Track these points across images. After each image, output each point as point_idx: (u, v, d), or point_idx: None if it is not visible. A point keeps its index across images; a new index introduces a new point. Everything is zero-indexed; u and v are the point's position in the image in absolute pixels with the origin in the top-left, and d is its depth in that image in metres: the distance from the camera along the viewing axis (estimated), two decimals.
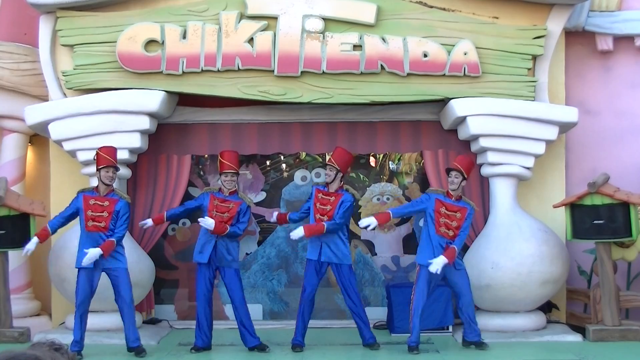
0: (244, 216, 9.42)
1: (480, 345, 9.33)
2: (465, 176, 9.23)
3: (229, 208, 9.29)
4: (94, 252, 8.89)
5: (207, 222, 9.13)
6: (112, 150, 9.26)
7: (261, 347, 9.36)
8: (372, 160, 12.27)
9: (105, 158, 9.13)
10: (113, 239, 9.06)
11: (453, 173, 9.20)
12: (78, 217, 9.23)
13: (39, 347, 3.83)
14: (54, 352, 3.83)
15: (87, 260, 8.88)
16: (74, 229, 10.28)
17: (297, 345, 9.36)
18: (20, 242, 9.93)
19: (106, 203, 9.11)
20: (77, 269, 9.12)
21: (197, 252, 9.42)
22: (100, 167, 9.13)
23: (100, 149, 9.30)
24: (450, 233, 9.07)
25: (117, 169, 9.30)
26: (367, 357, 9.30)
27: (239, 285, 9.42)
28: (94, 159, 9.30)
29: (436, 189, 9.78)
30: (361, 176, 12.23)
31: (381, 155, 12.15)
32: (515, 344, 9.67)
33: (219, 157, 9.48)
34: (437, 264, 8.89)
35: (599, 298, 10.22)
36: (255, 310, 11.49)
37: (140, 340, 9.20)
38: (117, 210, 9.10)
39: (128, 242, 10.24)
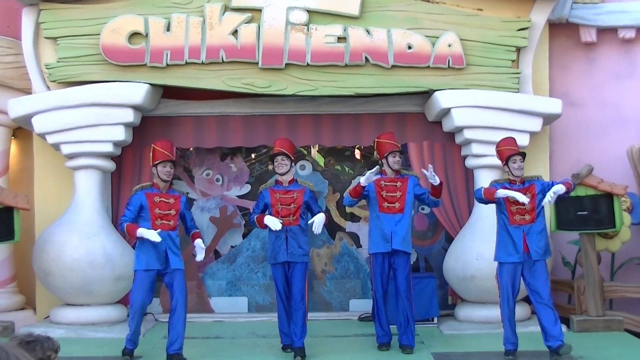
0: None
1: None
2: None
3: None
4: (200, 243, 8.69)
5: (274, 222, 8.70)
6: (168, 145, 8.81)
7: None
8: (357, 153, 12.27)
9: (162, 152, 8.61)
10: (199, 231, 8.91)
11: (518, 157, 8.46)
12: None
13: (13, 340, 3.83)
14: (25, 346, 3.83)
15: (201, 254, 8.70)
16: (58, 222, 10.28)
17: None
18: (3, 235, 9.90)
19: (172, 200, 8.62)
20: (134, 272, 8.56)
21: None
22: (157, 162, 8.58)
23: (156, 143, 8.82)
24: (527, 217, 8.37)
25: (174, 164, 8.76)
26: (353, 348, 9.30)
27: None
28: (151, 155, 8.74)
29: (497, 179, 9.05)
30: (346, 169, 12.22)
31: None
32: (500, 334, 9.65)
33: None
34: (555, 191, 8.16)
35: (583, 289, 10.26)
36: (240, 303, 11.51)
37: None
38: (184, 208, 8.72)
39: (113, 236, 10.24)
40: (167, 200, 8.56)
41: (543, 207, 8.45)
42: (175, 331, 8.40)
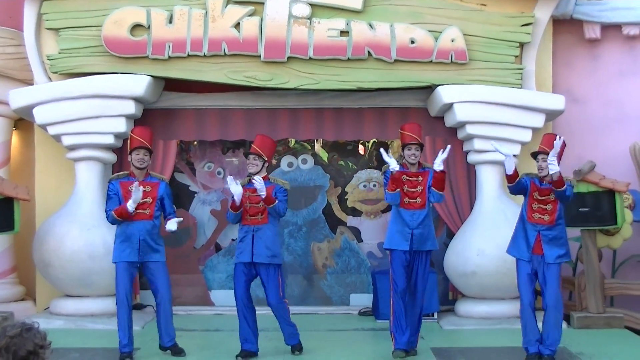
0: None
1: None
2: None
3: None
4: (175, 219, 8.26)
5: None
6: (144, 131, 8.56)
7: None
8: (361, 149, 12.25)
9: (136, 139, 8.38)
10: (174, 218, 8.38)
11: (541, 157, 8.03)
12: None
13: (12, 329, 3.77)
14: (23, 335, 3.78)
15: (173, 226, 8.24)
16: (59, 213, 10.27)
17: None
18: (3, 226, 9.89)
19: (148, 188, 8.27)
20: (114, 264, 8.36)
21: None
22: (132, 149, 8.35)
23: (133, 130, 8.67)
24: (546, 218, 8.05)
25: (149, 151, 8.43)
26: (353, 342, 9.28)
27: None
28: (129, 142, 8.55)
29: (528, 172, 8.41)
30: (350, 164, 12.21)
31: (370, 144, 12.13)
32: (500, 330, 9.68)
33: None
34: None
35: (583, 285, 10.24)
36: None
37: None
38: (160, 195, 8.36)
39: (113, 227, 10.19)
40: (143, 189, 8.17)
41: (562, 209, 8.11)
42: (164, 326, 8.38)
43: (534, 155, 8.13)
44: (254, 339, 8.37)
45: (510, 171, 7.86)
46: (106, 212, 8.34)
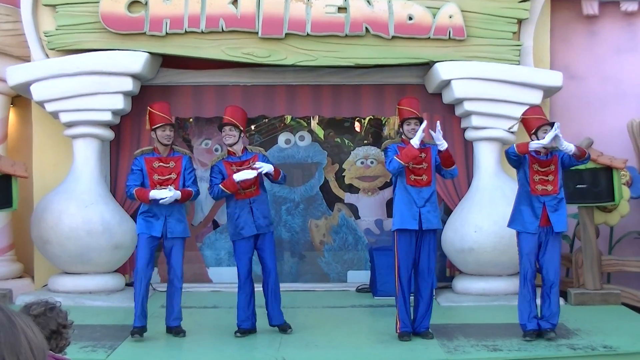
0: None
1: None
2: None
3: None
4: (170, 194, 8.07)
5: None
6: (165, 106, 8.52)
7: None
8: (357, 126, 12.25)
9: (161, 116, 8.30)
10: (192, 190, 8.38)
11: (542, 129, 8.03)
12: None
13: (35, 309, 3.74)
14: (46, 315, 3.76)
15: (157, 194, 8.07)
16: (57, 190, 10.27)
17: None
18: (1, 203, 9.89)
19: (172, 164, 8.29)
20: (138, 235, 8.36)
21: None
22: (156, 126, 8.29)
23: (152, 105, 8.53)
24: (550, 188, 8.01)
25: (173, 126, 8.44)
26: (350, 319, 9.32)
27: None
28: (147, 119, 8.53)
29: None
30: (346, 141, 12.20)
31: (366, 121, 12.12)
32: (497, 307, 9.72)
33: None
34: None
35: (580, 262, 10.27)
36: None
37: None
38: (184, 169, 8.34)
39: (111, 204, 10.23)
40: (167, 165, 8.29)
41: (562, 178, 8.16)
42: (174, 303, 8.38)
43: (535, 131, 8.06)
44: (252, 316, 8.41)
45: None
46: (127, 185, 8.32)
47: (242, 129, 8.42)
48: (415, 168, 8.11)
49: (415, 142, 7.94)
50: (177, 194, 8.14)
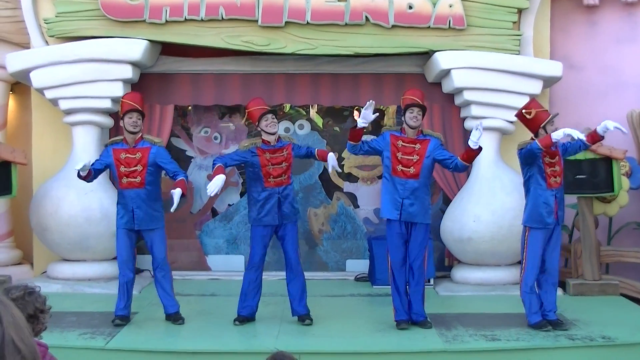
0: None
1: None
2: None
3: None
4: (177, 194, 7.90)
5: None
6: (135, 96, 8.47)
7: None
8: (355, 115, 12.22)
9: (127, 103, 8.25)
10: (182, 177, 8.17)
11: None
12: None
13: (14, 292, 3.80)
14: (25, 298, 3.80)
15: (178, 198, 7.91)
16: (56, 177, 10.27)
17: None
18: (1, 190, 9.89)
19: (138, 155, 8.16)
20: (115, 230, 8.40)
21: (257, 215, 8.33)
22: (124, 113, 8.20)
23: (124, 95, 8.65)
24: (558, 180, 8.03)
25: (142, 115, 8.31)
26: (349, 308, 9.33)
27: None
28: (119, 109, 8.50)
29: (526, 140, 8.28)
30: (344, 130, 12.18)
31: None
32: (495, 297, 9.75)
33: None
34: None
35: (579, 253, 10.28)
36: (237, 261, 11.53)
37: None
38: (152, 161, 8.17)
39: (110, 192, 10.23)
40: (134, 156, 8.17)
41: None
42: (165, 293, 8.41)
43: (544, 125, 8.00)
44: (256, 305, 8.42)
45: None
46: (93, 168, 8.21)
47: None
48: (403, 158, 8.02)
49: (360, 123, 7.75)
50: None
